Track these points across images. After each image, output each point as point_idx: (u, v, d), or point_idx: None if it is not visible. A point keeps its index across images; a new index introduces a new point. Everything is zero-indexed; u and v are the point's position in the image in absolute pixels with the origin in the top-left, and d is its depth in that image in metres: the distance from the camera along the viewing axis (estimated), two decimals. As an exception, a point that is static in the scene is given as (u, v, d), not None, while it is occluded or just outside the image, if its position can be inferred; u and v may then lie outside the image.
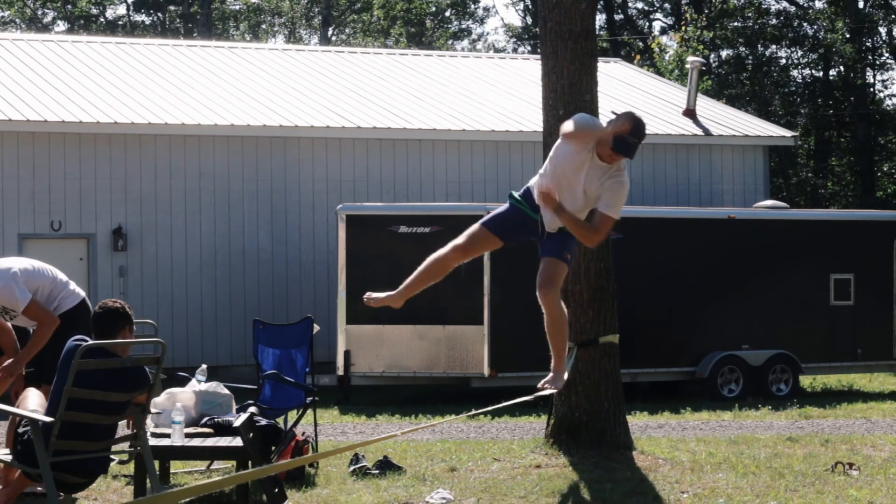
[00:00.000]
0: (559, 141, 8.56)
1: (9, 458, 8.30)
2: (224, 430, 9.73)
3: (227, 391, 10.36)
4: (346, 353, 18.82)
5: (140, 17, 48.89)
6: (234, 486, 9.64)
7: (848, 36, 41.44)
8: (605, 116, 13.28)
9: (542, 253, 8.55)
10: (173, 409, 9.56)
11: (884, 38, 43.59)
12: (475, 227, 8.65)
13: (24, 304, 9.36)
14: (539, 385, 8.71)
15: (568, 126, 8.40)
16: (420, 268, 8.75)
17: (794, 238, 20.33)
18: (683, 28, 34.36)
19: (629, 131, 8.31)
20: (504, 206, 8.75)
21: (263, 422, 10.06)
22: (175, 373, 11.34)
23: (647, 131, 8.63)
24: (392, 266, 19.03)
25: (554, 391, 8.78)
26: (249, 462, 9.23)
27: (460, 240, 8.67)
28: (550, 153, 8.65)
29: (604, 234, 8.61)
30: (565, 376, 8.83)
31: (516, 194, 8.70)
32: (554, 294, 8.52)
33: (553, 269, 8.48)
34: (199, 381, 10.38)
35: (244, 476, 7.87)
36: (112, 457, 8.64)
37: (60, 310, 9.49)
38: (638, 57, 36.32)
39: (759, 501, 9.55)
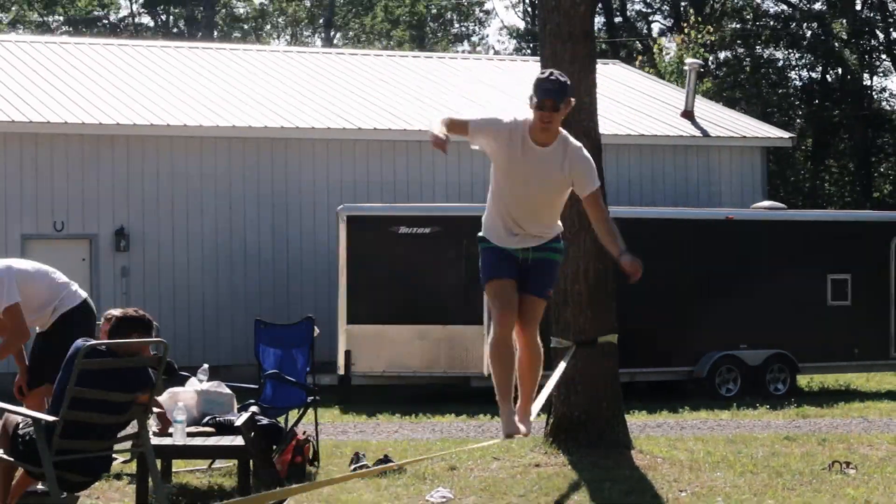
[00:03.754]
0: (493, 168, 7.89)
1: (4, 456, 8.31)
2: (225, 429, 9.72)
3: (228, 391, 10.33)
4: (347, 353, 18.86)
5: (144, 20, 48.91)
6: (236, 483, 9.69)
7: (846, 37, 41.46)
8: (603, 117, 13.39)
9: (525, 290, 7.84)
10: (175, 408, 9.59)
11: (881, 41, 43.61)
12: (488, 286, 7.90)
13: (7, 304, 9.04)
14: (506, 432, 7.92)
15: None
16: (496, 372, 7.89)
17: (792, 238, 20.35)
18: (686, 30, 34.32)
19: (544, 76, 7.79)
20: (483, 256, 7.99)
21: (265, 421, 10.04)
22: (177, 372, 11.35)
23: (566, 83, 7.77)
24: (392, 266, 19.18)
25: (525, 435, 8.04)
26: (251, 461, 9.23)
27: (498, 306, 7.83)
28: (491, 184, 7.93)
29: (603, 207, 7.81)
30: (533, 416, 8.12)
31: (483, 238, 8.01)
32: (535, 331, 7.95)
33: (537, 308, 7.88)
34: (201, 381, 10.39)
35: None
36: (115, 456, 8.64)
37: (61, 310, 9.40)
38: (640, 58, 36.33)
39: (757, 500, 9.55)
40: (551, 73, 7.84)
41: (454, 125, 7.80)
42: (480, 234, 8.07)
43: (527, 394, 8.07)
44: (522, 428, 7.92)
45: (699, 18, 35.81)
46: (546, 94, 7.64)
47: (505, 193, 7.84)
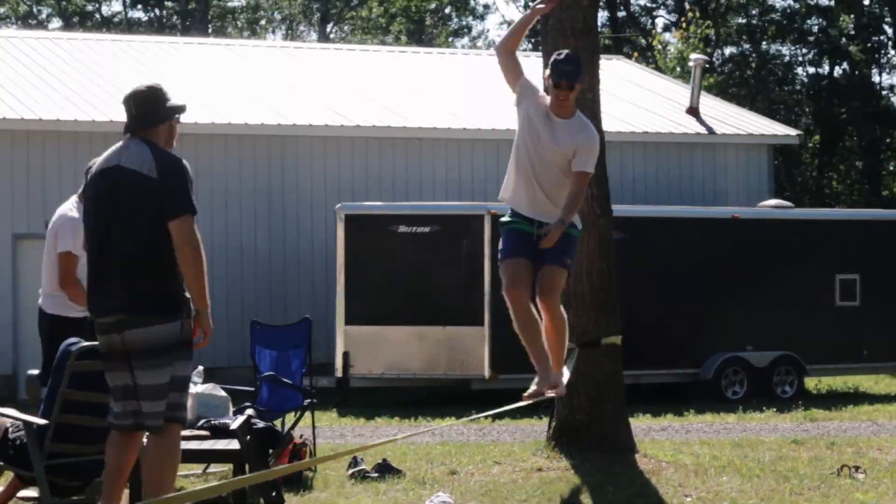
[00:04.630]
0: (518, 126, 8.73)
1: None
2: (221, 432, 9.63)
3: (223, 393, 10.25)
4: (345, 355, 18.72)
5: (136, 14, 48.84)
6: (232, 490, 9.54)
7: (853, 33, 41.35)
8: (607, 114, 13.20)
9: (542, 261, 8.51)
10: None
11: (890, 35, 43.49)
12: (502, 265, 8.67)
13: (69, 249, 9.48)
14: (535, 391, 8.71)
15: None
16: (523, 338, 8.78)
17: (799, 238, 20.22)
18: (685, 26, 34.24)
19: (561, 58, 8.60)
20: (502, 237, 8.74)
21: (261, 424, 9.97)
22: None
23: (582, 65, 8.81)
24: (391, 266, 19.04)
25: (556, 395, 8.84)
26: (247, 465, 9.13)
27: (505, 282, 8.63)
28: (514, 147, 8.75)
29: (585, 187, 8.64)
30: (565, 378, 8.85)
31: (505, 219, 8.72)
32: (555, 300, 8.59)
33: (555, 276, 8.54)
34: (196, 383, 10.27)
35: (243, 481, 7.81)
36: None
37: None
38: (636, 55, 36.21)
39: (764, 506, 9.50)
40: (568, 55, 8.70)
41: (523, 28, 8.79)
42: (502, 218, 8.78)
43: (556, 360, 8.74)
44: (558, 388, 8.74)
45: (698, 14, 35.69)
46: (563, 75, 8.49)
47: (525, 156, 8.62)
